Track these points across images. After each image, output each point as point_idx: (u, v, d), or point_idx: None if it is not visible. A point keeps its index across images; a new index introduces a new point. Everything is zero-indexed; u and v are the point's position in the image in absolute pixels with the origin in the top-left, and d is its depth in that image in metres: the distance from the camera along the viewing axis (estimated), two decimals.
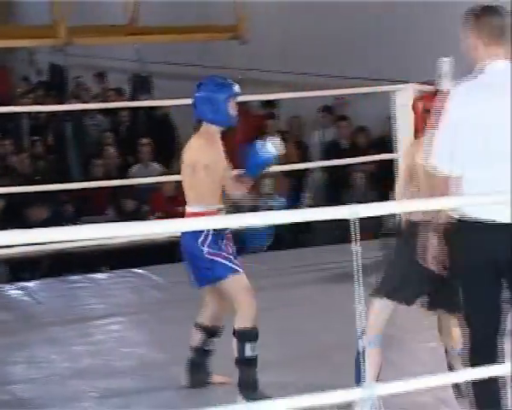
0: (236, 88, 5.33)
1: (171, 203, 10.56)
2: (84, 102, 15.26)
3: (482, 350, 4.13)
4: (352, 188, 10.58)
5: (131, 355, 5.95)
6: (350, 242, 3.40)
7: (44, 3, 15.30)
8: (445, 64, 8.33)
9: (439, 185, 4.09)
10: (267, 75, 12.40)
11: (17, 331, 6.39)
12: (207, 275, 5.13)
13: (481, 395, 4.02)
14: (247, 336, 5.07)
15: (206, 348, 5.36)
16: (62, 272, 8.43)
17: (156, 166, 12.07)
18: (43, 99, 16.67)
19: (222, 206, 5.20)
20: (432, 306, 4.80)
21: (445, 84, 8.30)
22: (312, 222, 6.37)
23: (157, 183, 10.74)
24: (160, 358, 5.85)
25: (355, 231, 3.36)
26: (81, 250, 8.85)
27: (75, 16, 14.44)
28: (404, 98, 8.07)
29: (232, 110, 5.28)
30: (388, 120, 9.36)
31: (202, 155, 5.16)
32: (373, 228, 6.62)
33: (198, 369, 5.35)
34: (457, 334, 4.71)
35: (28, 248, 7.31)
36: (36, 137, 14.34)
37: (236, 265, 5.14)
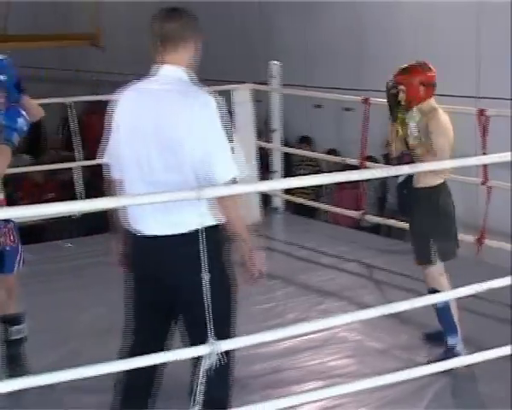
0: None
1: (40, 190, 10.39)
2: None
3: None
4: None
5: None
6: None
7: None
8: (275, 67, 8.40)
9: None
10: (121, 77, 12.34)
11: None
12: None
13: None
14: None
15: (12, 338, 4.81)
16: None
17: (26, 156, 11.81)
18: None
19: None
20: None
21: (274, 84, 8.42)
22: None
23: (27, 172, 10.49)
24: (28, 325, 5.62)
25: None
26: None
27: None
28: (241, 96, 8.10)
29: None
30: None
31: None
32: None
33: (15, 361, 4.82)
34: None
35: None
36: None
37: None
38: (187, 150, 3.45)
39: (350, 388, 4.15)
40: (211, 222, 3.49)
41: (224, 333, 3.50)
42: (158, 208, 3.44)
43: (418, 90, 4.98)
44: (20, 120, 4.67)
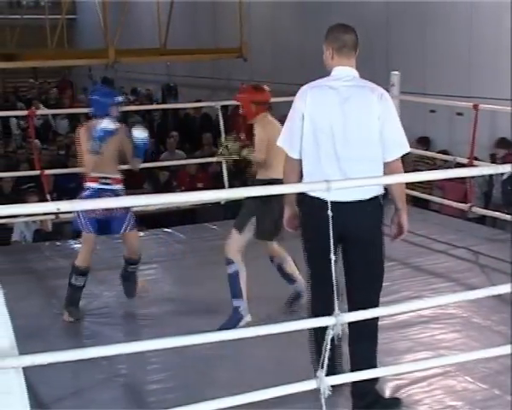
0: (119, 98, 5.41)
1: (192, 180, 10.59)
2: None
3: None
4: None
5: (161, 291, 5.94)
6: None
7: (99, 30, 15.22)
8: (396, 77, 8.28)
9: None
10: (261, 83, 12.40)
11: None
12: None
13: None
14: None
15: (129, 270, 5.69)
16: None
17: (180, 152, 12.06)
18: None
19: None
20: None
21: (394, 91, 8.29)
22: None
23: (181, 165, 10.73)
24: (183, 292, 5.84)
25: (329, 202, 3.20)
26: None
27: (121, 41, 14.39)
28: None
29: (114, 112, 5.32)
30: None
31: None
32: None
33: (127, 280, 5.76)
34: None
35: None
36: None
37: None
38: (375, 131, 3.75)
39: (456, 359, 4.07)
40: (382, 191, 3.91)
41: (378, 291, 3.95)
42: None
43: (250, 107, 5.11)
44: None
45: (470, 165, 7.30)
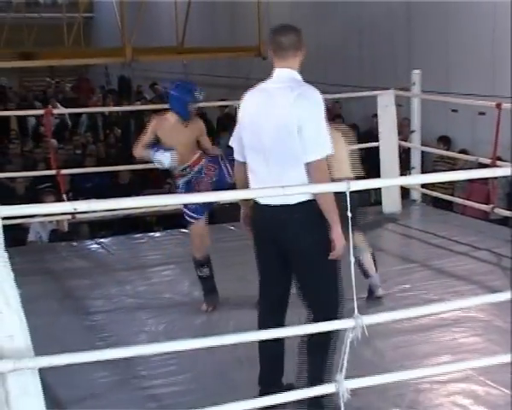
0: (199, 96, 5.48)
1: None
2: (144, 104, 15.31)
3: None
4: None
5: (180, 292, 5.96)
6: None
7: (116, 29, 15.29)
8: (417, 75, 8.25)
9: None
10: None
11: (95, 275, 6.41)
12: None
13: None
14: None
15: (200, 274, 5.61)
16: (128, 231, 8.46)
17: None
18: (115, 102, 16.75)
19: None
20: None
21: (415, 90, 8.27)
22: None
23: None
24: (200, 295, 5.83)
25: (348, 202, 3.20)
26: (142, 215, 8.92)
27: (138, 39, 14.45)
28: (385, 100, 8.00)
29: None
30: (374, 117, 9.30)
31: None
32: None
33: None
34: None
35: (105, 213, 7.46)
36: (108, 131, 14.43)
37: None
38: (293, 131, 3.65)
39: (478, 363, 4.05)
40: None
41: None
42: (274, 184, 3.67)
43: None
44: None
45: (493, 165, 7.27)
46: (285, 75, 3.83)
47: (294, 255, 3.79)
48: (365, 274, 5.52)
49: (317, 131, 3.68)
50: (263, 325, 3.94)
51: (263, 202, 3.79)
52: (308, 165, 3.67)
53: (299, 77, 3.85)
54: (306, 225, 3.71)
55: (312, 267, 3.76)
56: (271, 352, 3.94)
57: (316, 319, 3.72)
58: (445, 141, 10.19)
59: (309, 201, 3.67)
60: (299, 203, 3.68)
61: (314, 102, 3.71)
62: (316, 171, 3.66)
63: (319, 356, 3.82)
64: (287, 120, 3.67)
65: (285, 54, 3.83)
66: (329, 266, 3.76)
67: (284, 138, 3.69)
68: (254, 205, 3.88)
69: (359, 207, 5.12)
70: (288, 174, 3.69)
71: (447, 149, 9.76)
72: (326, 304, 3.79)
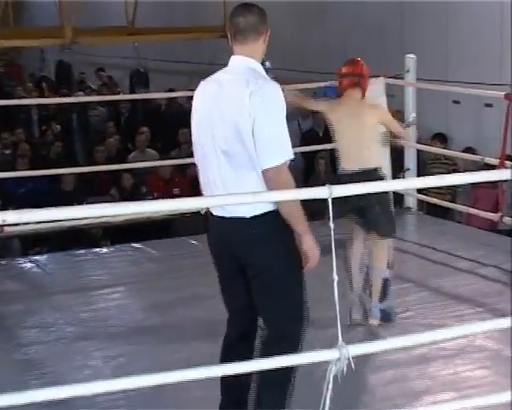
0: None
1: (166, 185, 10.58)
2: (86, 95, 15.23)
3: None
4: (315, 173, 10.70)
5: (129, 320, 5.93)
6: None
7: (52, 7, 15.23)
8: (411, 60, 8.30)
9: None
10: None
11: (28, 299, 6.36)
12: None
13: None
14: None
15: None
16: (69, 246, 8.41)
17: (152, 151, 12.05)
18: (50, 93, 16.63)
19: None
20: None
21: (409, 78, 8.32)
22: None
23: (152, 167, 10.71)
24: (155, 322, 5.81)
25: (330, 210, 3.21)
26: (85, 227, 8.86)
27: (80, 18, 14.39)
28: (373, 90, 8.03)
29: None
30: None
31: None
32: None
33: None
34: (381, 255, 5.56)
35: (40, 226, 7.35)
36: (44, 127, 14.32)
37: None
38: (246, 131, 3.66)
39: (485, 401, 4.06)
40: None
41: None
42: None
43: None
44: None
45: (501, 166, 7.31)
46: (241, 65, 3.79)
47: (252, 271, 3.79)
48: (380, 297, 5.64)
49: (275, 133, 3.66)
50: (226, 354, 3.94)
51: (216, 213, 3.79)
52: (265, 172, 3.65)
53: (257, 66, 3.80)
54: (267, 238, 3.72)
55: (272, 284, 3.76)
56: (233, 383, 3.91)
57: (275, 336, 3.76)
58: (441, 139, 10.22)
59: (269, 212, 3.68)
60: (257, 216, 3.69)
61: (271, 100, 3.67)
62: (274, 179, 3.63)
63: (276, 390, 3.80)
64: (240, 120, 3.64)
65: (244, 38, 3.78)
66: (293, 281, 3.79)
67: (238, 140, 3.67)
68: (209, 216, 3.87)
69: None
70: (245, 180, 3.68)
71: (444, 149, 9.79)
72: (288, 321, 3.80)
